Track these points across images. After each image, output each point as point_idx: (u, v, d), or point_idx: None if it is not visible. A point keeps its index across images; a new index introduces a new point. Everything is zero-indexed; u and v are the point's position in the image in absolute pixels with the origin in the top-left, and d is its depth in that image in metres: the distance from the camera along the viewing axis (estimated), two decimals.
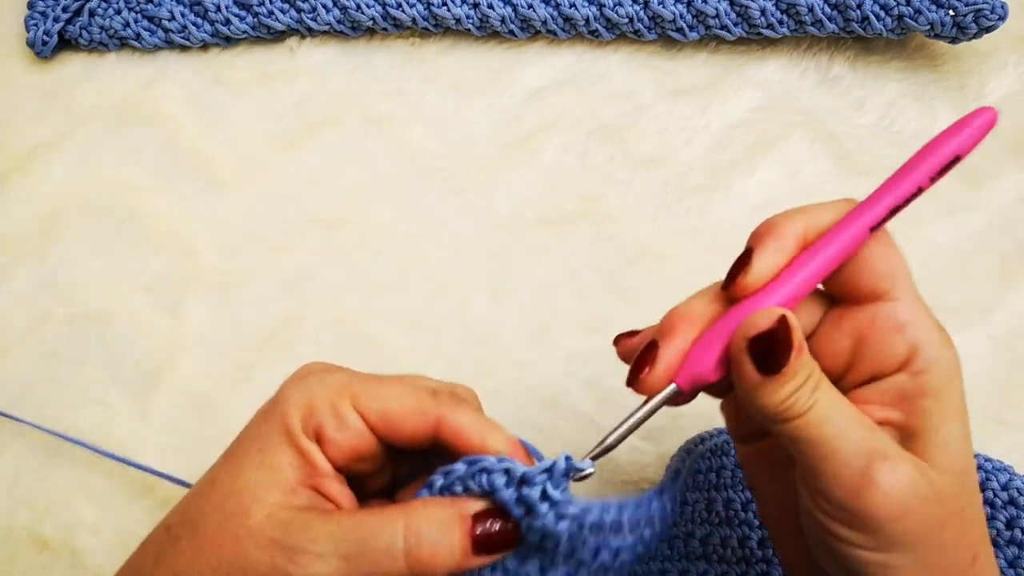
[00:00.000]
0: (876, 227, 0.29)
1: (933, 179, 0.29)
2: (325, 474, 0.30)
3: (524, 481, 0.28)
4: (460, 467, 0.29)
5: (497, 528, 0.28)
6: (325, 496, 0.30)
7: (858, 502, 0.26)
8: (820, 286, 0.30)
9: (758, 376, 0.27)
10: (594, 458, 0.30)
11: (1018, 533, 0.43)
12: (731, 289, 0.29)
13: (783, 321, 0.27)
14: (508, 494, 0.28)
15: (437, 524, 0.28)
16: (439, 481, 0.29)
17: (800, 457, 0.28)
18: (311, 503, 0.29)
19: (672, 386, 0.29)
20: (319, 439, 0.30)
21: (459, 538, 0.28)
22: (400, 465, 0.34)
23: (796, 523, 0.30)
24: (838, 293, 0.30)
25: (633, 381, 0.30)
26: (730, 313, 0.29)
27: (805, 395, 0.27)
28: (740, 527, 0.43)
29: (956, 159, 0.29)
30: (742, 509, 0.43)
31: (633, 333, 0.32)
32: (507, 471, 0.28)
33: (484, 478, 0.29)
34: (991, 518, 0.43)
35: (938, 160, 0.29)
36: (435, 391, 0.31)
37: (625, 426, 0.30)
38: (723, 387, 0.31)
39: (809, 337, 0.30)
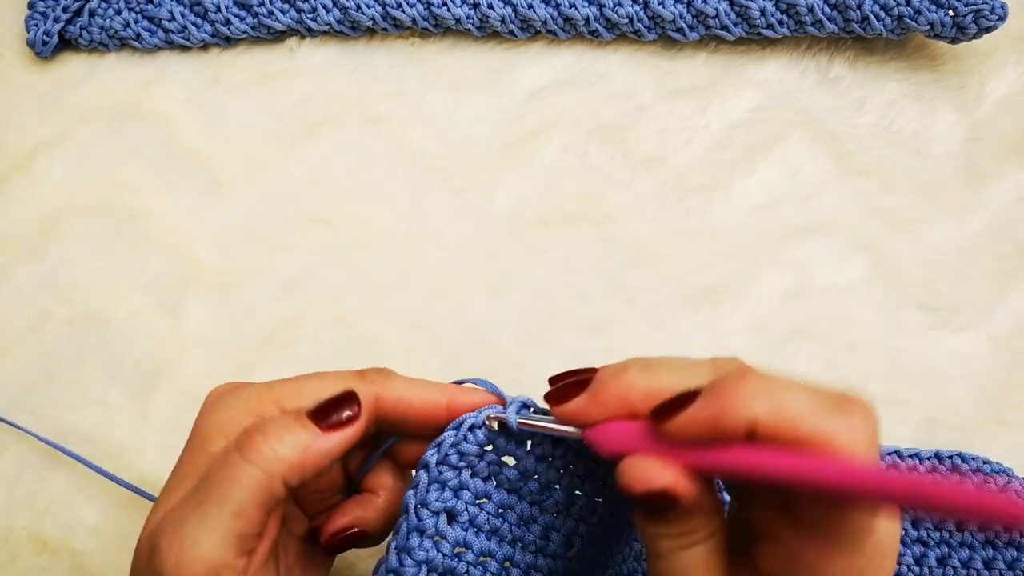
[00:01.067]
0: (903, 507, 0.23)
1: (970, 527, 0.25)
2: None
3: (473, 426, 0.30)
4: (449, 434, 0.30)
5: (339, 409, 0.30)
6: None
7: None
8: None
9: (642, 513, 0.27)
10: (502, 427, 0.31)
11: (1017, 536, 0.43)
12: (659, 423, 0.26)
13: (669, 492, 0.25)
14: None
15: (268, 422, 0.29)
16: (434, 457, 0.30)
17: None
18: None
19: (577, 431, 0.29)
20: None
21: (291, 419, 0.29)
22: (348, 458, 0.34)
23: None
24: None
25: (554, 399, 0.29)
26: (649, 437, 0.27)
27: (674, 544, 0.26)
28: None
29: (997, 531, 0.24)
30: None
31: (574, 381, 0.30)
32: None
33: (480, 433, 0.30)
34: None
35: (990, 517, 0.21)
36: (359, 372, 0.32)
37: (541, 426, 0.30)
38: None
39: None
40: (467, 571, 0.30)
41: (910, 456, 0.45)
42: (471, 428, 0.30)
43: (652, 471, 0.25)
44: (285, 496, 0.29)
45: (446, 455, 0.30)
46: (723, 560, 0.27)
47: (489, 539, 0.31)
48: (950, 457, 0.45)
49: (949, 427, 0.48)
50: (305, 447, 0.29)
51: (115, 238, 0.53)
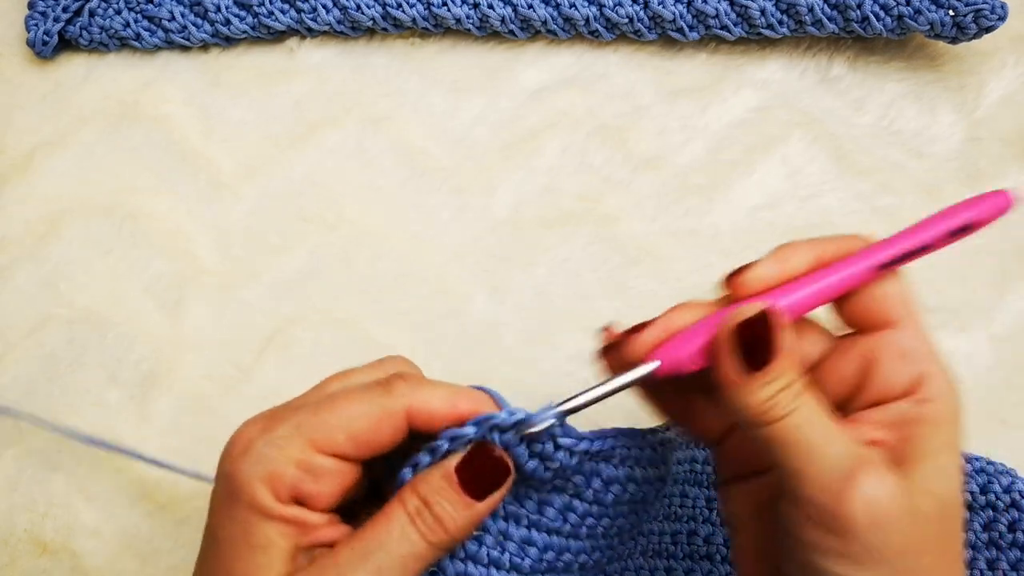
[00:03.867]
0: (883, 267, 0.29)
1: (943, 241, 0.29)
2: (318, 525, 0.29)
3: (498, 427, 0.29)
4: (443, 444, 0.29)
5: (483, 462, 0.29)
6: (325, 545, 0.29)
7: (837, 504, 0.26)
8: (822, 313, 0.31)
9: (740, 371, 0.27)
10: (556, 416, 0.30)
11: (1020, 536, 0.43)
12: (729, 284, 0.29)
13: (769, 314, 0.27)
14: (484, 432, 0.29)
15: (431, 493, 0.28)
16: (426, 460, 0.29)
17: (782, 461, 0.27)
18: (313, 558, 0.29)
19: (651, 364, 0.29)
20: (300, 499, 0.29)
21: (454, 493, 0.28)
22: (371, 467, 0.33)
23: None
24: (848, 320, 0.30)
25: (609, 350, 0.30)
26: (722, 310, 0.29)
27: (787, 398, 0.27)
28: None
29: (969, 228, 0.29)
30: None
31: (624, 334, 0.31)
32: (480, 423, 0.29)
33: (467, 439, 0.29)
34: (993, 521, 0.43)
35: (952, 223, 0.29)
36: (384, 384, 0.30)
37: (592, 393, 0.30)
38: (705, 384, 0.30)
39: (817, 364, 0.31)
40: (462, 544, 0.30)
41: None
42: (493, 428, 0.29)
43: (750, 307, 0.28)
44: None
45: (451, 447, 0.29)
46: (829, 407, 0.28)
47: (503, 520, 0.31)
48: None
49: None
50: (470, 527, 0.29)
51: (115, 238, 0.53)
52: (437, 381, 0.31)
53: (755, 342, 0.27)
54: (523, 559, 0.32)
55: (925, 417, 0.28)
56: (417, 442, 0.30)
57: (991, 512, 0.43)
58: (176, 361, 0.51)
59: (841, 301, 0.30)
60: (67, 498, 0.48)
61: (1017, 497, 0.43)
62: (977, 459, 0.45)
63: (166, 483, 0.47)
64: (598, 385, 0.30)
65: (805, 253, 0.29)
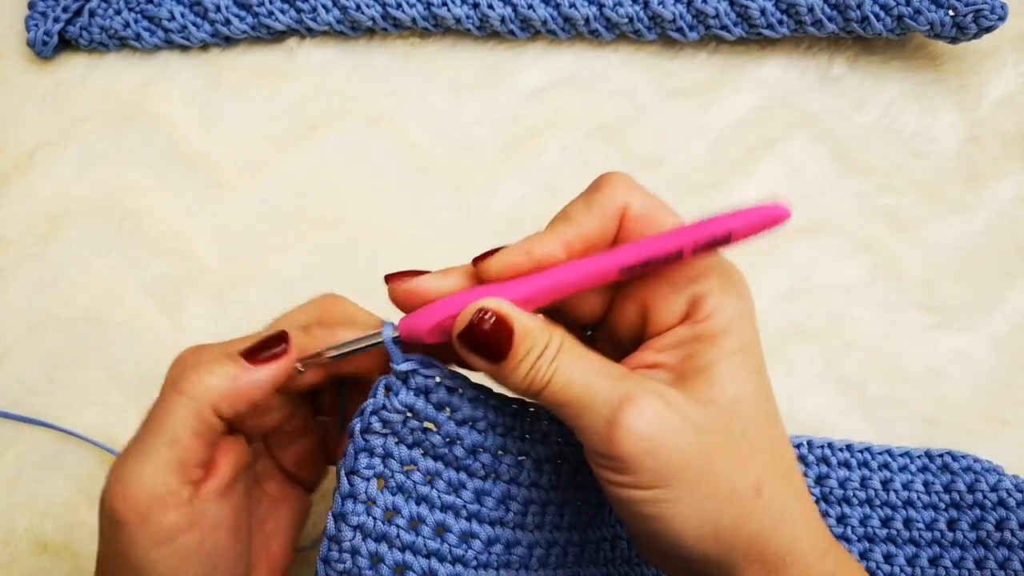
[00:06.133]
0: (627, 270, 0.30)
1: (696, 250, 0.30)
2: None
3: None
4: (369, 402, 0.32)
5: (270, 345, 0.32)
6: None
7: (609, 446, 0.28)
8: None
9: (488, 365, 0.30)
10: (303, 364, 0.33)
11: (1008, 534, 0.43)
12: (476, 266, 0.31)
13: (483, 313, 0.29)
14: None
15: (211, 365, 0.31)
16: (357, 425, 0.32)
17: (564, 420, 0.30)
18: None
19: (384, 332, 0.32)
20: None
21: (229, 362, 0.31)
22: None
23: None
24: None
25: (392, 279, 0.33)
26: (466, 292, 0.31)
27: (543, 367, 0.29)
28: None
29: (728, 239, 0.29)
30: None
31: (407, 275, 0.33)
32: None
33: (396, 401, 0.31)
34: (980, 519, 0.43)
35: (707, 233, 0.29)
36: (305, 327, 0.34)
37: (336, 351, 0.33)
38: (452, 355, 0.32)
39: (605, 316, 0.33)
40: (397, 535, 0.32)
41: (901, 455, 0.45)
42: (386, 388, 0.31)
43: (467, 312, 0.29)
44: (221, 427, 0.31)
45: (369, 423, 0.31)
46: (588, 350, 0.30)
47: (419, 504, 0.32)
48: (940, 456, 0.45)
49: (949, 427, 0.48)
50: (233, 377, 0.31)
51: (115, 238, 0.53)
52: (355, 317, 0.36)
53: (482, 340, 0.29)
54: (466, 551, 0.32)
55: (700, 335, 0.29)
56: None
57: (978, 511, 0.43)
58: None
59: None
60: (68, 498, 0.48)
61: (1004, 495, 0.43)
62: (964, 457, 0.45)
63: None
64: (333, 348, 0.33)
65: (551, 242, 0.31)
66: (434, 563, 0.32)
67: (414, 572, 0.32)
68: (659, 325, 0.31)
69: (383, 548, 0.31)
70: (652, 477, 0.28)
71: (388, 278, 0.34)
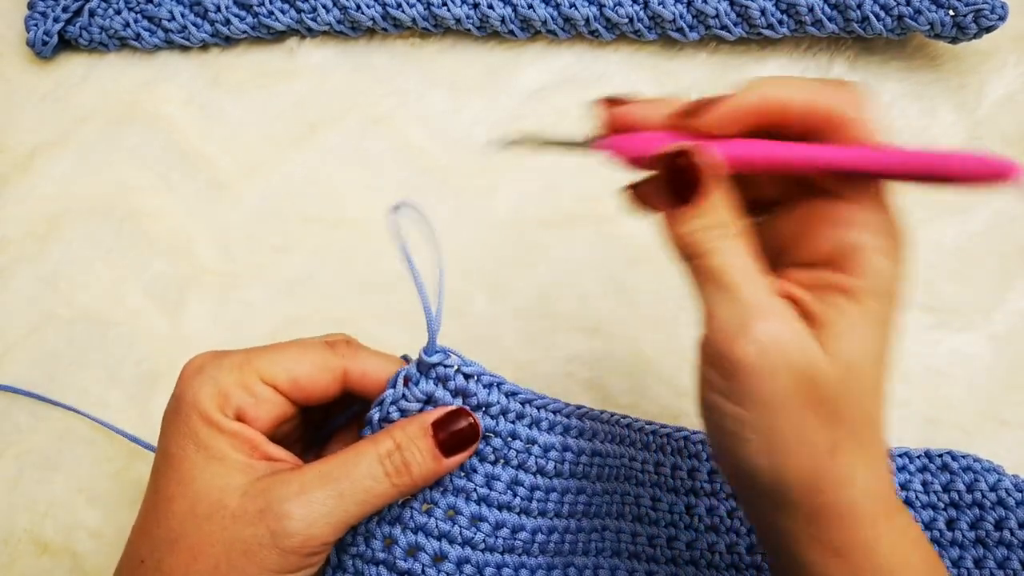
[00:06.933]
0: (831, 169, 0.29)
1: (905, 176, 0.28)
2: (265, 442, 0.32)
3: (407, 377, 0.33)
4: (388, 392, 0.33)
5: (459, 426, 0.32)
6: (276, 460, 0.32)
7: (730, 346, 0.27)
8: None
9: (669, 201, 0.29)
10: (508, 144, 0.34)
11: (1007, 534, 0.43)
12: (691, 112, 0.30)
13: (697, 154, 0.28)
14: (447, 391, 0.33)
15: (405, 440, 0.31)
16: (376, 414, 0.32)
17: (699, 298, 0.29)
18: (271, 469, 0.31)
19: (600, 149, 0.32)
20: (241, 419, 0.32)
21: (427, 445, 0.31)
22: (308, 427, 0.37)
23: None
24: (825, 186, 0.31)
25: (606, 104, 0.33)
26: (674, 135, 0.30)
27: (711, 238, 0.28)
28: (727, 534, 0.43)
29: (942, 176, 0.27)
30: (727, 516, 0.43)
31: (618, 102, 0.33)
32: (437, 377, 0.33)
33: (416, 390, 0.32)
34: (980, 519, 0.43)
35: (924, 163, 0.27)
36: (331, 343, 0.34)
37: (546, 142, 0.34)
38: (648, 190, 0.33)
39: (768, 219, 0.32)
40: (411, 517, 0.33)
41: (900, 455, 0.45)
42: (406, 380, 0.32)
43: (680, 145, 0.29)
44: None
45: (388, 413, 0.32)
46: (755, 256, 0.29)
47: (431, 488, 0.33)
48: (940, 455, 0.45)
49: (949, 427, 0.48)
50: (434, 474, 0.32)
51: (115, 238, 0.53)
52: (377, 351, 0.35)
53: (682, 173, 0.29)
54: (475, 533, 0.34)
55: (844, 286, 0.29)
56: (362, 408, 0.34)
57: (978, 510, 0.44)
58: (176, 361, 0.50)
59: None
60: (68, 498, 0.48)
61: (1003, 495, 0.43)
62: (964, 457, 0.45)
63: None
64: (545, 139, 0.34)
65: (780, 87, 0.30)
66: (445, 545, 0.33)
67: (426, 554, 0.33)
68: (804, 254, 0.30)
69: (396, 531, 0.33)
70: (746, 394, 0.28)
71: (599, 102, 0.33)
